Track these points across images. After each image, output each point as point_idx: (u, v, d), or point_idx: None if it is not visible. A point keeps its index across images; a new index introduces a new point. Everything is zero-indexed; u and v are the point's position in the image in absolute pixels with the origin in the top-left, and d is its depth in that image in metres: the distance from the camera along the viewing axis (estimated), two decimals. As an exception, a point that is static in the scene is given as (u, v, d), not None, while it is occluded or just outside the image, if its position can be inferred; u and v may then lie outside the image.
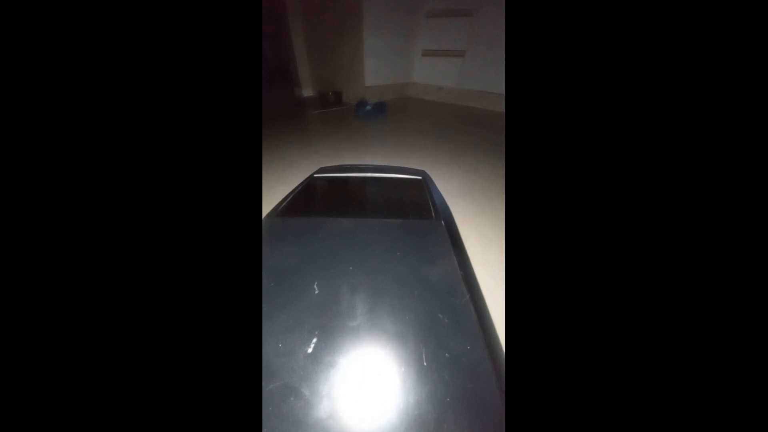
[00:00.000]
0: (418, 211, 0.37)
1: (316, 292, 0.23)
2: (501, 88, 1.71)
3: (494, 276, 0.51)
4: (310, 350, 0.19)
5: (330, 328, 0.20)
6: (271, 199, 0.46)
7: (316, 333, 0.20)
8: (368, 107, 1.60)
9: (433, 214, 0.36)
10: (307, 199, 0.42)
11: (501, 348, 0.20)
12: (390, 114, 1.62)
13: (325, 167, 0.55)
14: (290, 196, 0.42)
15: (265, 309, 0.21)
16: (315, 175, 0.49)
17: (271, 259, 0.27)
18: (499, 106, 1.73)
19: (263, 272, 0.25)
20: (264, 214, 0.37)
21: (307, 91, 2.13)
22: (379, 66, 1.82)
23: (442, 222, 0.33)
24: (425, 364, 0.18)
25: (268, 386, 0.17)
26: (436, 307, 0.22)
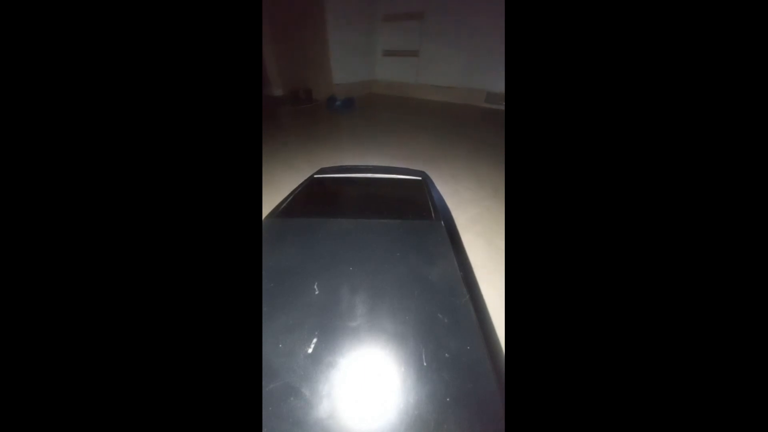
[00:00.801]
0: (418, 211, 0.37)
1: (316, 292, 0.23)
2: (455, 82, 1.97)
3: (494, 276, 0.51)
4: (310, 350, 0.19)
5: (330, 329, 0.20)
6: (271, 199, 0.46)
7: (316, 333, 0.20)
8: (338, 103, 1.75)
9: (432, 214, 0.36)
10: (307, 200, 0.42)
11: (501, 348, 0.20)
12: (360, 108, 1.80)
13: (325, 168, 0.55)
14: (290, 197, 0.42)
15: (265, 309, 0.22)
16: (315, 176, 0.49)
17: (271, 260, 0.27)
18: (458, 97, 1.99)
19: (263, 273, 0.25)
20: (264, 214, 0.37)
21: (278, 90, 2.24)
22: (345, 65, 1.98)
23: (442, 222, 0.33)
24: (425, 364, 0.18)
25: (268, 386, 0.17)
26: (436, 307, 0.22)
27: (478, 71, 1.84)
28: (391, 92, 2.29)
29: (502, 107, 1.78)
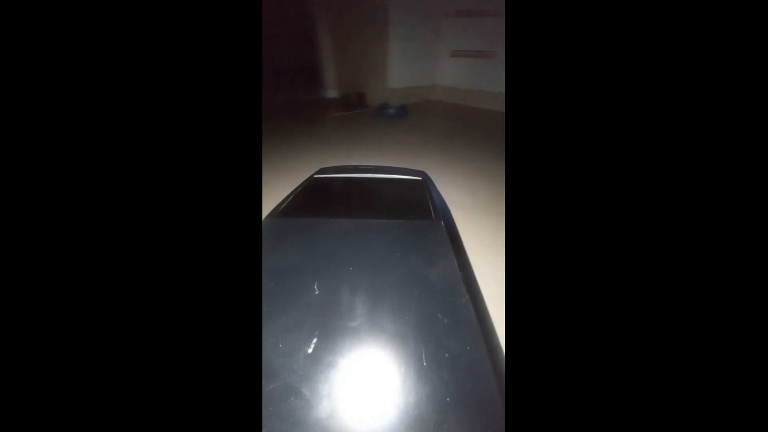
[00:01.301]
0: (418, 211, 0.37)
1: (316, 292, 0.23)
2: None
3: (494, 276, 0.51)
4: (310, 350, 0.19)
5: (330, 329, 0.20)
6: (272, 199, 0.46)
7: (316, 333, 0.20)
8: (391, 110, 1.63)
9: (432, 214, 0.36)
10: (307, 200, 0.42)
11: (501, 348, 0.20)
12: (411, 116, 1.63)
13: (325, 168, 0.55)
14: (290, 197, 0.42)
15: (265, 309, 0.22)
16: (315, 176, 0.49)
17: (271, 260, 0.27)
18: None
19: (263, 273, 0.25)
20: (264, 214, 0.37)
21: (332, 93, 2.12)
22: (403, 68, 1.79)
23: (442, 222, 0.33)
24: (425, 364, 0.18)
25: (268, 386, 0.17)
26: (436, 307, 0.22)
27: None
28: (453, 100, 1.98)
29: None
